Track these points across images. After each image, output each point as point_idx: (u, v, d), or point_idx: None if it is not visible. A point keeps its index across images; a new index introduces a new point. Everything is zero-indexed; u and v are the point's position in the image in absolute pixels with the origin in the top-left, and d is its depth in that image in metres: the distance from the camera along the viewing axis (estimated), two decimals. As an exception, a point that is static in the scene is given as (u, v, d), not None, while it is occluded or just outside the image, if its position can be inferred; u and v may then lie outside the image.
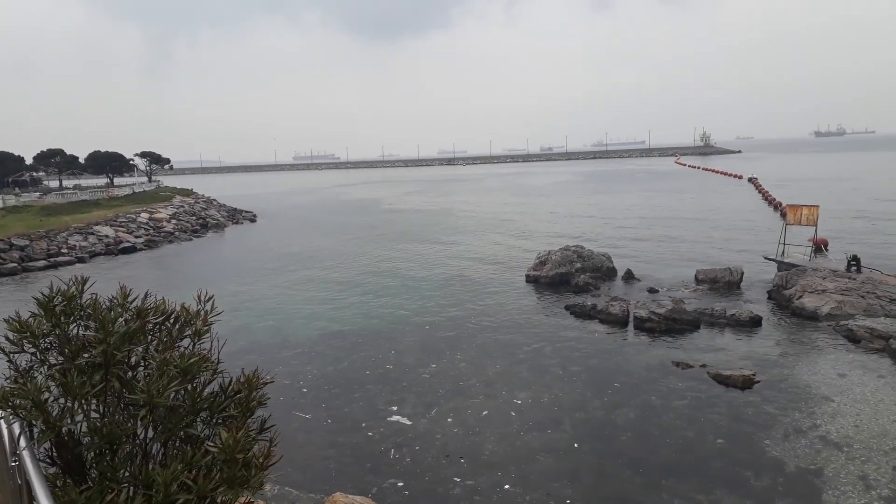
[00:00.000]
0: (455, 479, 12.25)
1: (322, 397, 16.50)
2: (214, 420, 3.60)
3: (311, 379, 17.86)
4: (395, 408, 15.54)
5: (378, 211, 72.83)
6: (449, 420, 14.74)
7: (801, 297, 22.95)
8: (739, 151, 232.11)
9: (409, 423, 14.71)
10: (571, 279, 28.59)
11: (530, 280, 29.56)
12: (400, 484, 12.13)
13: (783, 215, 32.28)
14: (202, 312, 3.88)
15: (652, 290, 26.72)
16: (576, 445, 13.27)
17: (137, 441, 3.45)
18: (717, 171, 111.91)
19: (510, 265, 34.00)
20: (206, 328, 3.83)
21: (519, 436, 13.79)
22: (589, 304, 23.56)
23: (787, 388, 15.58)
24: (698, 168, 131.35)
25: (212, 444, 3.24)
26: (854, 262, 25.78)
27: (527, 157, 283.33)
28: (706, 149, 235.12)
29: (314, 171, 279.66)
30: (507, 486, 11.85)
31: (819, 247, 28.98)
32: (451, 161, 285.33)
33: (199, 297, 3.94)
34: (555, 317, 23.45)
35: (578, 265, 29.53)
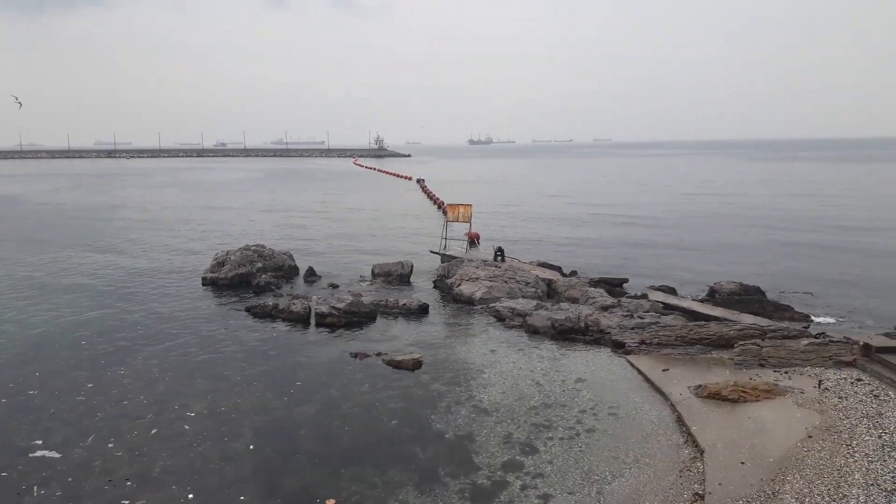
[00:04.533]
0: (123, 501, 10.95)
1: (-66, 442, 13.21)
2: None
3: (-84, 421, 14.16)
4: (39, 441, 13.20)
5: (18, 211, 61.31)
6: (110, 445, 13.06)
7: (459, 284, 25.86)
8: (409, 155, 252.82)
9: (58, 455, 12.63)
10: (252, 279, 27.79)
11: (207, 283, 27.91)
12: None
13: (444, 213, 36.03)
14: None
15: (333, 286, 27.46)
16: (252, 448, 12.90)
17: None
18: (391, 173, 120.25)
19: (185, 268, 31.69)
20: None
21: (193, 448, 12.87)
22: (270, 304, 23.17)
23: (449, 366, 17.37)
24: (374, 169, 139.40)
25: None
26: (499, 253, 30.02)
27: (201, 153, 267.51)
28: (381, 151, 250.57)
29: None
30: (180, 500, 10.99)
31: (472, 240, 33.05)
32: (111, 153, 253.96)
33: None
34: (234, 320, 22.52)
35: (259, 265, 28.84)
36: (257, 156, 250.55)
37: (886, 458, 11.00)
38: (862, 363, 15.67)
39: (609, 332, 19.50)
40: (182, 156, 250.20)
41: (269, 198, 72.66)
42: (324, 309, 21.94)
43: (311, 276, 29.36)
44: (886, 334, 17.95)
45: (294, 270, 30.18)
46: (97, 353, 18.82)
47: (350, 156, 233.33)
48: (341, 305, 22.08)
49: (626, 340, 18.60)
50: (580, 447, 12.68)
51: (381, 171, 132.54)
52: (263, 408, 14.88)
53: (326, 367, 17.51)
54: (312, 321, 21.93)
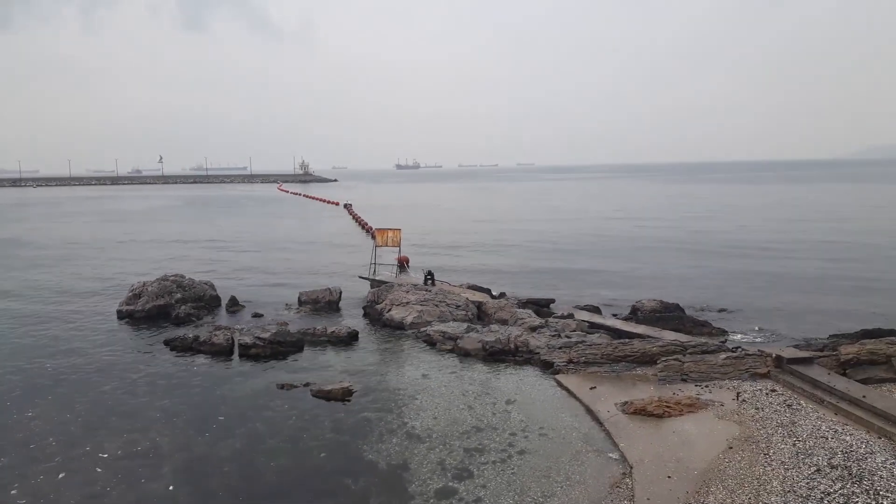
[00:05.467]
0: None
1: None
2: None
3: None
4: (-69, 493, 12.07)
5: None
6: (13, 492, 12.09)
7: (390, 310, 25.62)
8: (336, 180, 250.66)
9: (-48, 509, 11.58)
10: (171, 311, 26.62)
11: (123, 316, 26.51)
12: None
13: (373, 238, 35.78)
14: None
15: (257, 315, 26.61)
16: (171, 489, 12.20)
17: None
18: (317, 198, 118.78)
19: (99, 301, 30.05)
20: None
21: (106, 493, 12.05)
22: (191, 336, 22.21)
23: (380, 394, 17.09)
24: (300, 195, 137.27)
25: None
26: (430, 277, 29.97)
27: (116, 180, 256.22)
28: (306, 177, 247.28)
29: None
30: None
31: (402, 264, 32.89)
32: (16, 182, 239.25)
33: None
34: (152, 353, 21.44)
35: (179, 295, 27.65)
36: (176, 182, 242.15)
37: (801, 464, 11.53)
38: (775, 374, 16.48)
39: (538, 353, 19.73)
40: (95, 184, 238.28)
41: (188, 226, 70.19)
42: (247, 339, 21.20)
43: (234, 305, 28.40)
44: (796, 346, 19.00)
45: (215, 300, 29.09)
46: (1, 394, 17.46)
47: (274, 181, 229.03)
48: (266, 335, 21.41)
49: (554, 360, 18.85)
50: (512, 469, 12.67)
51: (307, 196, 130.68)
52: (184, 446, 14.14)
53: (251, 401, 16.87)
54: (236, 353, 21.13)
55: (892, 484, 10.50)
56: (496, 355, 20.12)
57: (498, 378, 18.34)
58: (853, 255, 41.24)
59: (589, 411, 15.46)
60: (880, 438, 12.55)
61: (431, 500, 11.58)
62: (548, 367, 18.76)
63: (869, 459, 11.42)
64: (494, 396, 16.76)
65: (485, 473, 12.52)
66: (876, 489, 10.39)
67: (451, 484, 12.16)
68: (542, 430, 14.51)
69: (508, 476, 12.40)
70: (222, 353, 21.10)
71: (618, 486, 11.81)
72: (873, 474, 10.86)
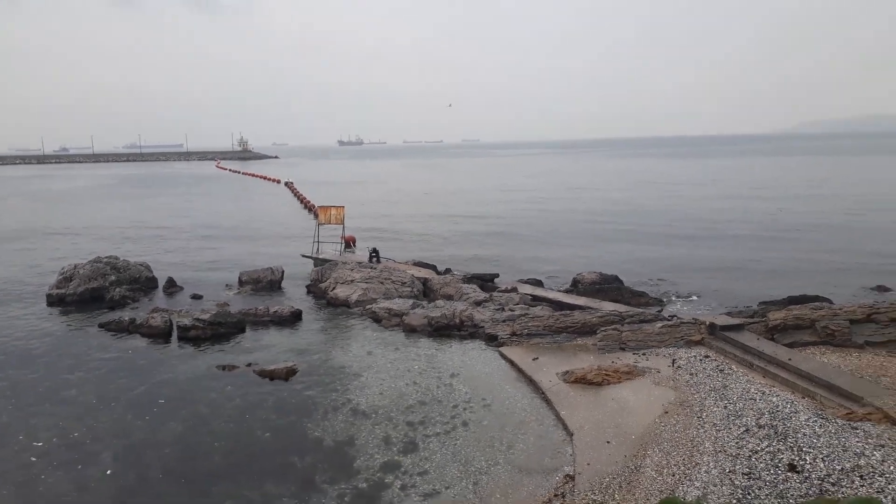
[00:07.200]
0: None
1: None
2: None
3: None
4: None
5: None
6: (-61, 487, 11.53)
7: (334, 288, 25.40)
8: (277, 157, 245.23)
9: None
10: (106, 294, 25.68)
11: (53, 300, 25.39)
12: None
13: (316, 216, 35.22)
14: None
15: (196, 297, 25.96)
16: (109, 473, 11.89)
17: None
18: (257, 176, 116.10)
19: (25, 285, 28.70)
20: None
21: (41, 481, 11.66)
22: (127, 319, 21.52)
23: (325, 372, 17.00)
24: (239, 172, 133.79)
25: None
26: (374, 254, 29.81)
27: (42, 159, 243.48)
28: (245, 154, 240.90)
29: None
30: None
31: (348, 243, 32.55)
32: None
33: None
34: (86, 338, 20.68)
35: (113, 278, 26.68)
36: (108, 161, 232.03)
37: (731, 426, 12.11)
38: (708, 341, 17.19)
39: (482, 326, 19.97)
40: (19, 163, 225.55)
41: (122, 206, 67.51)
42: (186, 321, 20.68)
43: (171, 287, 27.59)
44: (728, 314, 19.81)
45: (152, 282, 28.22)
46: (-82, 386, 16.55)
47: (212, 158, 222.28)
48: (206, 316, 20.91)
49: (498, 333, 19.13)
50: (457, 441, 12.86)
51: (246, 173, 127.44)
52: (122, 430, 13.76)
53: (192, 383, 16.52)
54: (174, 335, 20.60)
55: (814, 441, 11.15)
56: (442, 330, 20.26)
57: (443, 352, 18.50)
58: (786, 227, 43.08)
59: (531, 381, 15.79)
60: (804, 398, 13.29)
61: (378, 475, 11.66)
62: (492, 340, 19.03)
63: (793, 418, 12.08)
64: (439, 370, 16.92)
65: (430, 446, 12.67)
66: (799, 445, 11.01)
67: (396, 458, 12.26)
68: (486, 401, 14.76)
69: (453, 447, 12.58)
70: (160, 335, 20.55)
71: (559, 453, 12.16)
72: (797, 432, 11.50)
